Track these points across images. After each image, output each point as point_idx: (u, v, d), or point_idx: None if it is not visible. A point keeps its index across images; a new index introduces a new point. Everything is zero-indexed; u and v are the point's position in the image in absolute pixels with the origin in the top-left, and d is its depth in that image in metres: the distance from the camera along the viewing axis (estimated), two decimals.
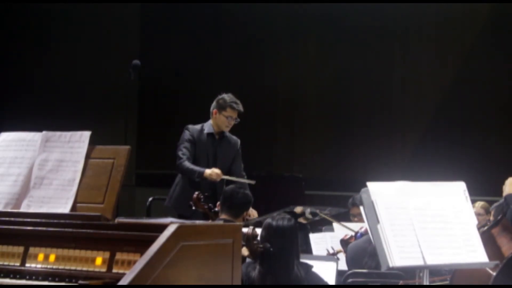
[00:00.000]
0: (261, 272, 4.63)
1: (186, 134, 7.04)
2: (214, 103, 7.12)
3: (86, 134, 3.66)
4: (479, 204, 7.63)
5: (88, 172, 3.58)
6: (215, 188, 6.93)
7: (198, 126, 7.11)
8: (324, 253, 6.35)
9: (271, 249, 4.56)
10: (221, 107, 7.07)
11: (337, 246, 6.33)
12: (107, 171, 3.53)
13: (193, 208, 5.90)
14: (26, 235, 3.50)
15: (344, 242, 6.19)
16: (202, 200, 5.87)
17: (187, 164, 6.91)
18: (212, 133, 7.11)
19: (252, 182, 6.97)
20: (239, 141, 7.25)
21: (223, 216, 5.68)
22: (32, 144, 3.75)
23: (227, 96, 7.11)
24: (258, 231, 4.66)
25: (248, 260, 4.71)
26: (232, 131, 7.25)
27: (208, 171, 6.84)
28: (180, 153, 6.96)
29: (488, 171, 9.56)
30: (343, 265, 5.87)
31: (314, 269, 4.73)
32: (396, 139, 10.93)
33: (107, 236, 3.34)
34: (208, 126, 7.12)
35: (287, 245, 4.67)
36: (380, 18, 10.90)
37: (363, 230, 6.06)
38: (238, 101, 7.10)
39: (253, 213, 6.41)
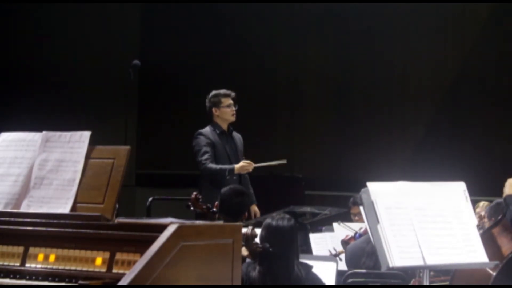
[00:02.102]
0: (261, 272, 4.62)
1: (202, 140, 7.00)
2: (208, 105, 7.11)
3: (86, 134, 3.65)
4: (483, 204, 7.60)
5: (88, 172, 3.57)
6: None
7: (208, 129, 7.08)
8: (324, 253, 6.35)
9: (271, 249, 4.56)
10: (217, 102, 7.08)
11: (338, 246, 6.33)
12: (107, 171, 3.52)
13: (191, 208, 5.88)
14: (26, 235, 3.50)
15: (345, 243, 6.20)
16: (200, 200, 5.85)
17: (214, 165, 6.89)
18: (222, 131, 7.11)
19: (284, 161, 7.06)
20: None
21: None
22: (32, 144, 3.74)
23: (212, 92, 7.12)
24: (258, 231, 4.65)
25: (248, 260, 4.70)
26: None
27: (237, 166, 6.88)
28: (202, 158, 6.91)
29: (488, 171, 9.56)
30: (343, 265, 5.87)
31: (314, 269, 4.72)
32: (396, 139, 10.93)
33: (107, 236, 3.33)
34: (216, 126, 7.10)
35: (287, 245, 4.66)
36: (380, 17, 10.90)
37: (362, 230, 6.06)
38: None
39: (257, 213, 6.47)
